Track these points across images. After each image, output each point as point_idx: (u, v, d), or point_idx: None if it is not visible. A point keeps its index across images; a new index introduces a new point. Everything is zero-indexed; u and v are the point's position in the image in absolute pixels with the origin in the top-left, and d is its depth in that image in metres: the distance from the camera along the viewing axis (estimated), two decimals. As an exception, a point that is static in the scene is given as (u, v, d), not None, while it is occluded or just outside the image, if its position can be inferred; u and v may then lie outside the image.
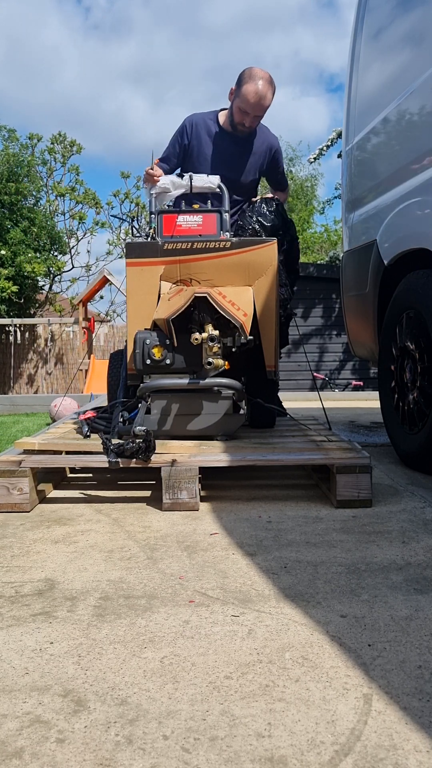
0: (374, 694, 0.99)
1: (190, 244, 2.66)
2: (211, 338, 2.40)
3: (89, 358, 11.13)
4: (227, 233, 2.87)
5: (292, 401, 5.18)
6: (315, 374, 9.90)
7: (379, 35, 3.14)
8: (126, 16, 52.30)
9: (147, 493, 2.36)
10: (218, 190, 3.04)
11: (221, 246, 2.64)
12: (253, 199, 3.18)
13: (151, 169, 3.00)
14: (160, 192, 3.00)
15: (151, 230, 2.93)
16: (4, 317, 12.74)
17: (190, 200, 3.04)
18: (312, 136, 46.27)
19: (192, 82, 50.63)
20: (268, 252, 2.64)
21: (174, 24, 51.44)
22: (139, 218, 3.19)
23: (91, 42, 50.77)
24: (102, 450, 2.27)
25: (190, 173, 3.01)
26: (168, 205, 3.04)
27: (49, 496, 2.36)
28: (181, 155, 3.14)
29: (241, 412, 2.59)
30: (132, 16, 52.58)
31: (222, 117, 3.07)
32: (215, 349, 2.40)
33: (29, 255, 13.04)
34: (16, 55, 45.94)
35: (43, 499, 2.30)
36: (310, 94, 49.03)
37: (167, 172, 3.13)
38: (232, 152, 3.05)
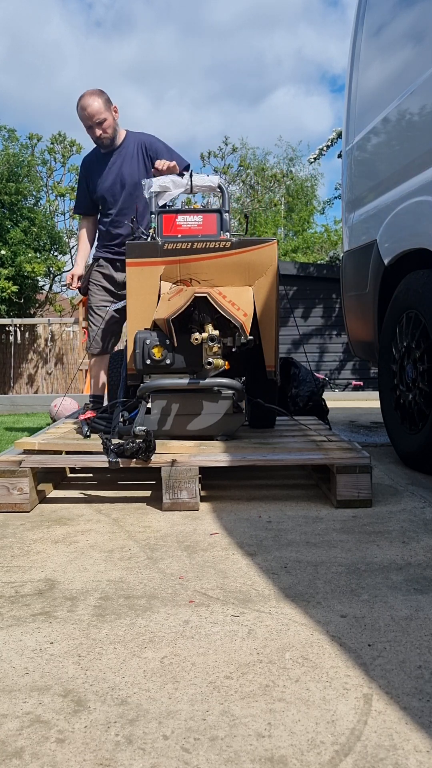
0: (374, 694, 0.99)
1: (190, 244, 2.66)
2: (211, 338, 2.40)
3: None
4: (227, 233, 2.87)
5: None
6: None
7: (380, 33, 3.14)
8: (128, 13, 52.22)
9: (147, 493, 2.36)
10: (218, 189, 3.05)
11: (221, 246, 2.64)
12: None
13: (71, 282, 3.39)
14: (159, 191, 3.00)
15: (151, 230, 2.94)
16: (4, 317, 12.73)
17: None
18: (316, 135, 46.17)
19: (193, 81, 50.61)
20: (268, 252, 2.64)
21: (176, 21, 51.36)
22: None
23: (92, 40, 50.72)
24: (102, 450, 2.27)
25: (190, 171, 3.04)
26: (168, 205, 3.05)
27: (49, 496, 2.36)
28: (89, 194, 3.37)
29: (243, 411, 2.59)
30: (134, 13, 52.50)
31: None
32: (215, 349, 2.40)
33: (29, 255, 13.04)
34: (18, 54, 45.95)
35: (43, 499, 2.30)
36: (313, 93, 49.04)
37: (88, 214, 3.43)
38: (113, 165, 3.26)
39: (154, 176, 3.11)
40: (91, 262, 3.42)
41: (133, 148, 3.25)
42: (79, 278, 3.42)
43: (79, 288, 3.44)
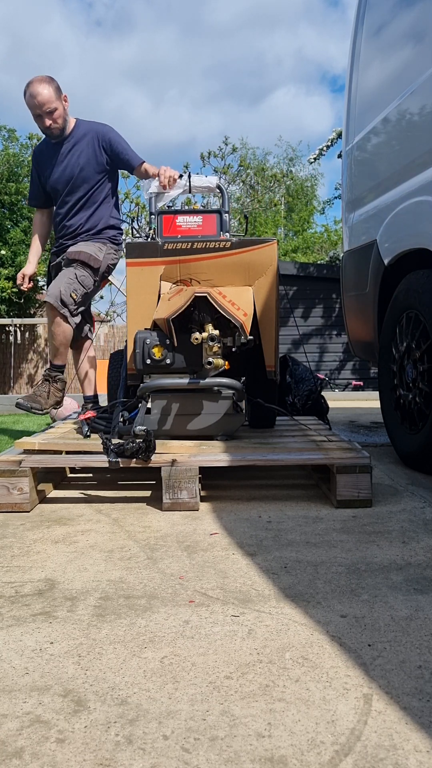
0: (374, 694, 0.99)
1: (190, 244, 2.66)
2: (211, 338, 2.39)
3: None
4: (227, 233, 2.87)
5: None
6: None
7: (380, 33, 3.14)
8: (129, 12, 52.14)
9: (147, 493, 2.36)
10: (217, 189, 3.05)
11: (221, 246, 2.64)
12: None
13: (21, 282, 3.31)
14: (159, 192, 3.00)
15: (151, 230, 2.94)
16: (4, 317, 12.73)
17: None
18: (316, 135, 46.20)
19: (193, 81, 50.57)
20: (268, 252, 2.64)
21: (176, 21, 51.29)
22: (139, 218, 3.21)
23: (93, 39, 50.67)
24: (102, 450, 2.27)
25: (188, 172, 3.03)
26: (168, 206, 3.05)
27: (49, 496, 2.36)
28: (41, 186, 3.24)
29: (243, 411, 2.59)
30: (135, 12, 52.41)
31: None
32: (215, 349, 2.40)
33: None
34: (19, 53, 45.96)
35: (43, 499, 2.30)
36: (314, 93, 49.02)
37: (41, 206, 3.31)
38: (64, 155, 3.09)
39: (155, 190, 3.03)
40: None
41: (85, 137, 3.09)
42: (31, 278, 3.30)
43: (29, 288, 3.30)
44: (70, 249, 3.04)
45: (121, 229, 3.25)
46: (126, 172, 3.22)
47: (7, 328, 12.38)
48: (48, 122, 2.98)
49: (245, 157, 23.84)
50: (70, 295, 2.90)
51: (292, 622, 1.25)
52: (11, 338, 12.31)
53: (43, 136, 3.18)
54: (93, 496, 2.35)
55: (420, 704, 0.96)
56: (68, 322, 2.93)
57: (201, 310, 2.48)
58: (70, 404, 5.71)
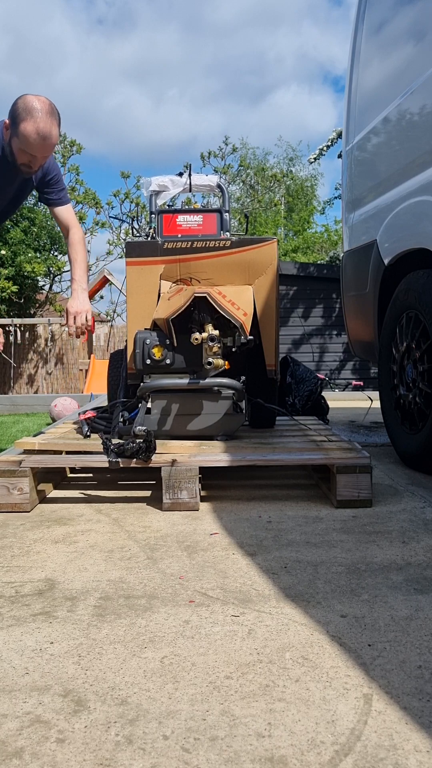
0: (374, 694, 0.99)
1: (190, 243, 2.66)
2: (211, 338, 2.39)
3: (89, 358, 11.13)
4: (227, 233, 2.88)
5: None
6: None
7: (380, 32, 3.13)
8: (130, 10, 52.04)
9: (147, 493, 2.36)
10: (217, 189, 3.05)
11: (221, 245, 2.64)
12: None
13: None
14: (158, 191, 3.00)
15: (151, 230, 2.94)
16: (4, 317, 12.73)
17: None
18: (318, 135, 46.12)
19: (194, 80, 50.51)
20: (269, 251, 2.64)
21: (178, 19, 51.21)
22: (139, 218, 3.20)
23: (94, 37, 50.61)
24: (102, 450, 2.27)
25: (188, 170, 3.01)
26: (168, 205, 3.05)
27: (49, 496, 2.36)
28: None
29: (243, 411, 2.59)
30: (136, 10, 52.32)
31: (7, 134, 2.34)
32: (215, 349, 2.40)
33: (29, 255, 13.04)
34: (20, 51, 45.96)
35: (43, 499, 2.30)
36: (316, 92, 48.99)
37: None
38: (13, 178, 2.47)
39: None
40: None
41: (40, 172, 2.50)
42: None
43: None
44: None
45: None
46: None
47: (7, 328, 12.39)
48: (34, 167, 2.36)
49: (245, 157, 23.84)
50: None
51: (292, 622, 1.25)
52: (11, 338, 12.31)
53: None
54: (93, 496, 2.35)
55: (420, 704, 0.96)
56: None
57: (201, 310, 2.48)
58: (70, 404, 5.70)
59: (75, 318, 2.52)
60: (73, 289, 2.59)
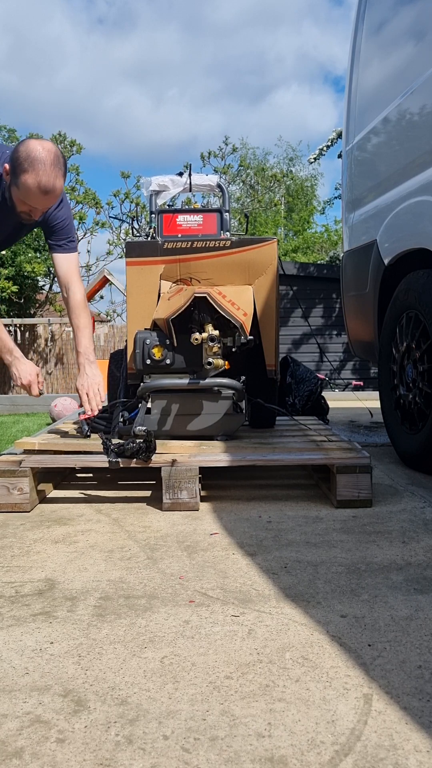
0: (374, 694, 0.99)
1: (190, 243, 2.66)
2: (211, 338, 2.39)
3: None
4: (227, 232, 2.88)
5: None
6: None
7: (380, 31, 3.13)
8: (130, 10, 51.96)
9: (147, 493, 2.36)
10: (217, 188, 3.05)
11: (221, 245, 2.64)
12: None
13: None
14: (158, 190, 3.00)
15: (151, 230, 2.94)
16: (4, 317, 12.73)
17: None
18: (319, 135, 46.10)
19: (194, 79, 50.48)
20: (269, 251, 2.64)
21: (178, 19, 51.17)
22: (139, 218, 3.20)
23: (94, 37, 50.55)
24: (102, 450, 2.27)
25: (188, 170, 3.01)
26: (168, 205, 3.05)
27: (49, 496, 2.36)
28: None
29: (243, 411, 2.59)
30: (136, 10, 52.25)
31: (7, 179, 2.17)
32: (215, 349, 2.40)
33: (29, 255, 13.03)
34: (20, 51, 45.89)
35: (43, 499, 2.30)
36: (317, 92, 48.96)
37: None
38: (13, 223, 2.32)
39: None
40: None
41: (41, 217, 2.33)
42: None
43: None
44: None
45: None
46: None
47: (7, 328, 12.39)
48: (36, 216, 2.22)
49: (245, 157, 23.84)
50: None
51: (292, 622, 1.25)
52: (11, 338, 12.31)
53: None
54: (93, 496, 2.35)
55: (420, 704, 0.96)
56: None
57: (201, 310, 2.47)
58: (70, 404, 5.71)
59: (88, 396, 2.37)
60: (80, 364, 2.41)
